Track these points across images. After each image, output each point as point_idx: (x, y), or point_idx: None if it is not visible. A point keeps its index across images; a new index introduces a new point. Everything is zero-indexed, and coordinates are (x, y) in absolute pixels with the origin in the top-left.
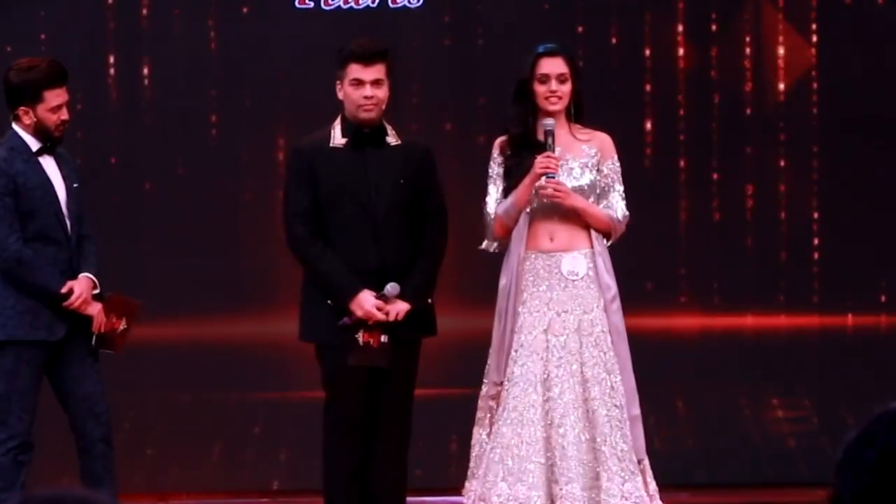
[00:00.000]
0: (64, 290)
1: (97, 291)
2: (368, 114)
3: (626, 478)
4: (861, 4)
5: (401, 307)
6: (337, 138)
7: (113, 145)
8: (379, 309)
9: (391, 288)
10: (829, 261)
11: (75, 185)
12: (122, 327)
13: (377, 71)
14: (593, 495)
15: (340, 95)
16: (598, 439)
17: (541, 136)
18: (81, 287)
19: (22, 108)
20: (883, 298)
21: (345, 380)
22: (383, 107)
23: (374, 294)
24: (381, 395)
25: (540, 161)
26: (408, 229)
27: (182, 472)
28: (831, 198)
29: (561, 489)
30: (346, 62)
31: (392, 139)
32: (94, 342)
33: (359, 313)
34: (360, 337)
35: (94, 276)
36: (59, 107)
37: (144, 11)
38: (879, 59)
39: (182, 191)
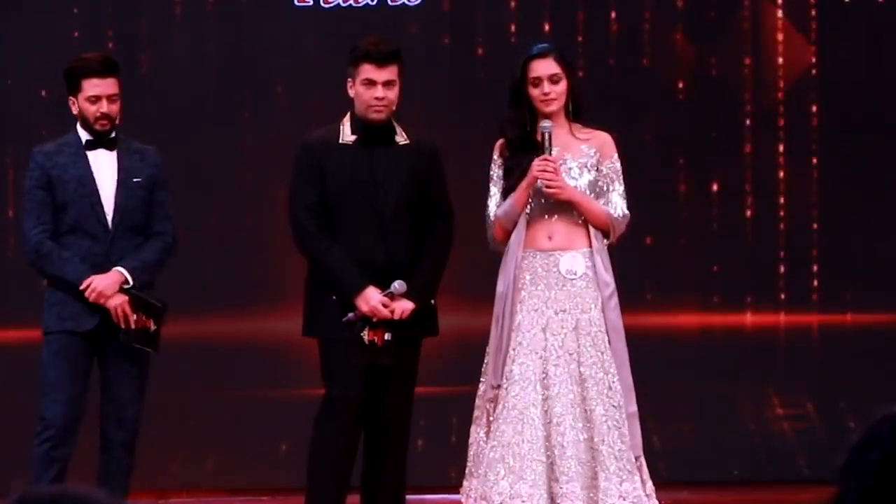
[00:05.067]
0: (84, 284)
1: (128, 286)
2: (378, 115)
3: (624, 477)
4: (860, 3)
5: (406, 306)
6: (346, 135)
7: None
8: (385, 305)
9: (398, 285)
10: (829, 259)
11: (136, 180)
12: (153, 328)
13: (389, 72)
14: (592, 495)
15: (351, 93)
16: (596, 439)
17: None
18: (102, 281)
19: (70, 97)
20: (882, 296)
21: (345, 372)
22: (393, 108)
23: (380, 291)
24: (383, 394)
25: (537, 164)
26: (415, 228)
27: (182, 470)
28: (830, 196)
29: (561, 488)
30: (359, 62)
31: (401, 138)
32: (120, 336)
33: (364, 308)
34: (366, 335)
35: (129, 270)
36: (96, 98)
37: (143, 8)
38: (879, 58)
39: (180, 189)
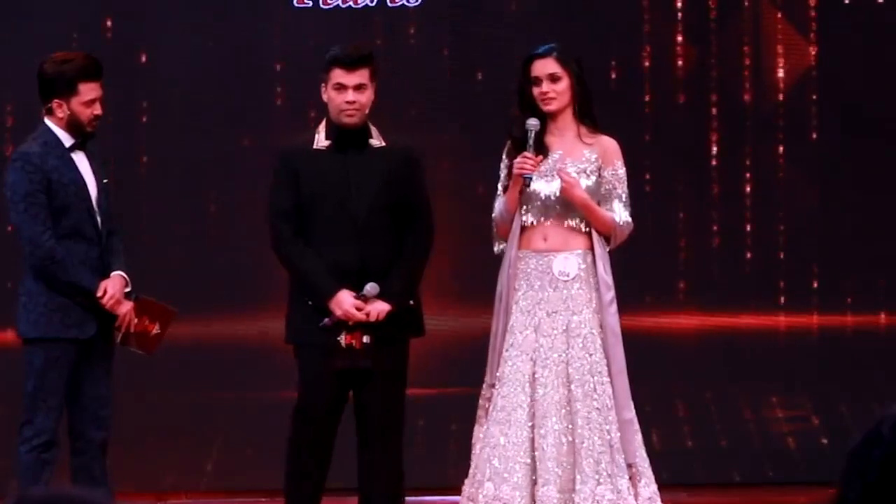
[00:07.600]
0: (99, 291)
1: (128, 290)
2: (350, 119)
3: (600, 481)
4: (860, 3)
5: (381, 307)
6: (321, 140)
7: (108, 145)
8: (359, 309)
9: (370, 288)
10: (829, 260)
11: (105, 181)
12: (155, 331)
13: (360, 76)
14: (571, 497)
15: (325, 98)
16: (577, 441)
17: (545, 138)
18: (114, 286)
19: (56, 100)
20: (882, 298)
21: (319, 377)
22: (366, 111)
23: (354, 294)
24: (368, 396)
25: (517, 162)
26: (390, 230)
27: (179, 472)
28: (830, 197)
29: (538, 490)
30: (330, 66)
31: (376, 141)
32: (119, 339)
33: (338, 313)
34: (343, 339)
35: (125, 273)
36: (92, 101)
37: (142, 9)
38: (878, 58)
39: (180, 189)
